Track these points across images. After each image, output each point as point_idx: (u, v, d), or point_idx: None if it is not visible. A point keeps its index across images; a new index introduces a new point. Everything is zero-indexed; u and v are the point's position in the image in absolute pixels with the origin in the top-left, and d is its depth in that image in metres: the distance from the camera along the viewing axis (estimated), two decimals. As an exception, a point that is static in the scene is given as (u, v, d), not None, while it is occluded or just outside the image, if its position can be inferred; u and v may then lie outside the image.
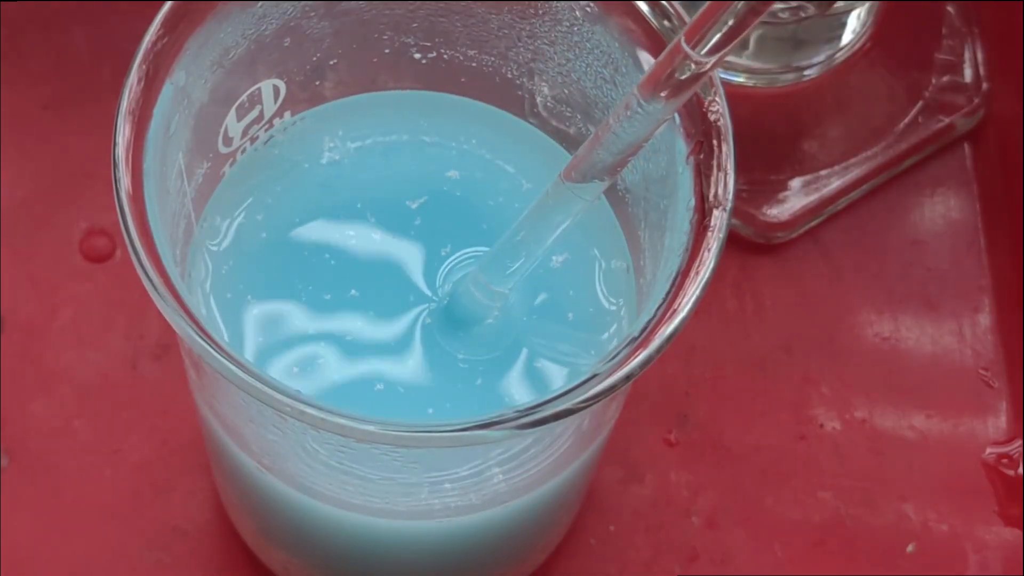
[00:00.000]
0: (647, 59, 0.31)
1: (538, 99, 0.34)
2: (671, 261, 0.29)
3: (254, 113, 0.33)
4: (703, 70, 0.27)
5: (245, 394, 0.27)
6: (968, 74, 0.47)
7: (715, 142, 0.30)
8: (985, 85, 0.47)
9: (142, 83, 0.29)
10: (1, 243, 0.44)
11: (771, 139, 0.46)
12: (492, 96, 0.35)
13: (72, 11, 0.47)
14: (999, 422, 0.44)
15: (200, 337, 0.28)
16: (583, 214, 0.30)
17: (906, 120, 0.46)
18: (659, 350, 0.28)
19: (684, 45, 0.27)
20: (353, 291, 0.33)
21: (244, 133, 0.33)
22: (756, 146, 0.46)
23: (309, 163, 0.34)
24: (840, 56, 0.47)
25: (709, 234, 0.29)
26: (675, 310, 0.28)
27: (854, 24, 0.47)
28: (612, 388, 0.28)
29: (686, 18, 0.30)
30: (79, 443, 0.42)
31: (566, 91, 0.33)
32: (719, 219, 0.29)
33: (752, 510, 0.42)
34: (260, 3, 0.31)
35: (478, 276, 0.31)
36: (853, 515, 0.42)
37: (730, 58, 0.46)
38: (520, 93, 0.34)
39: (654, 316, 0.28)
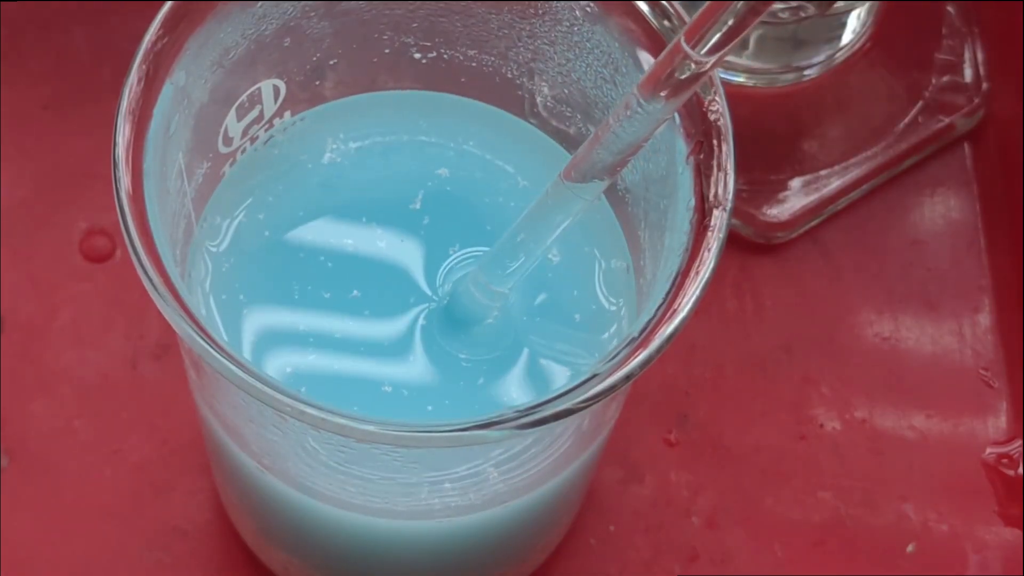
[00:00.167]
0: (647, 59, 0.31)
1: (538, 99, 0.34)
2: (671, 261, 0.29)
3: (254, 113, 0.33)
4: (703, 70, 0.27)
5: (245, 394, 0.27)
6: (968, 74, 0.47)
7: (715, 142, 0.30)
8: (985, 85, 0.47)
9: (142, 83, 0.29)
10: (1, 243, 0.44)
11: (771, 139, 0.46)
12: (492, 96, 0.35)
13: (72, 11, 0.47)
14: (999, 422, 0.44)
15: (200, 337, 0.28)
16: (583, 214, 0.30)
17: (906, 120, 0.46)
18: (659, 350, 0.28)
19: (684, 45, 0.27)
20: (353, 291, 0.33)
21: (244, 133, 0.33)
22: (756, 146, 0.46)
23: (309, 163, 0.34)
24: (840, 56, 0.47)
25: (709, 234, 0.29)
26: (675, 310, 0.28)
27: (854, 24, 0.47)
28: (612, 388, 0.28)
29: (686, 18, 0.30)
30: (79, 443, 0.42)
31: (566, 91, 0.33)
32: (719, 219, 0.29)
33: (752, 510, 0.42)
34: (260, 3, 0.31)
35: (478, 276, 0.31)
36: (853, 515, 0.42)
37: (730, 58, 0.46)
38: (520, 93, 0.34)
39: (654, 316, 0.28)
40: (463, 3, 0.33)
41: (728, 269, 0.45)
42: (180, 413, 0.42)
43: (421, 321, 0.32)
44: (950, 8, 0.48)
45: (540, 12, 0.32)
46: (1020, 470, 0.43)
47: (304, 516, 0.34)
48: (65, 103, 0.46)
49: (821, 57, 0.46)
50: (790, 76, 0.46)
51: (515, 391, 0.32)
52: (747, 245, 0.45)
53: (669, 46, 0.27)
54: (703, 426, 0.43)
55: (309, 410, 0.27)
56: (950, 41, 0.47)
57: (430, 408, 0.31)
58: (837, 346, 0.44)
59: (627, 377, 0.28)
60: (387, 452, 0.30)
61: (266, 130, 0.34)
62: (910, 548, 0.42)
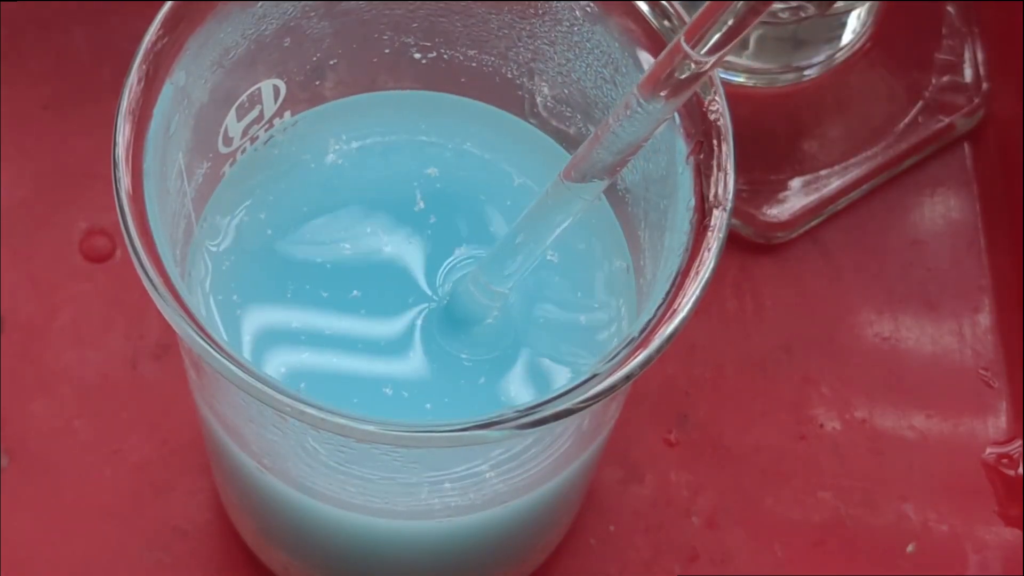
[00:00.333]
0: (647, 59, 0.31)
1: (538, 99, 0.34)
2: (671, 261, 0.29)
3: (254, 113, 0.33)
4: (703, 70, 0.27)
5: (245, 394, 0.27)
6: (968, 74, 0.47)
7: (715, 142, 0.30)
8: (985, 85, 0.47)
9: (142, 83, 0.29)
10: (1, 243, 0.44)
11: (771, 139, 0.46)
12: (492, 96, 0.35)
13: (72, 11, 0.47)
14: (999, 422, 0.44)
15: (200, 337, 0.28)
16: (583, 214, 0.30)
17: (906, 120, 0.46)
18: (659, 350, 0.28)
19: (684, 45, 0.27)
20: (352, 291, 0.33)
21: (244, 133, 0.33)
22: (756, 146, 0.46)
23: (309, 163, 0.34)
24: (840, 56, 0.47)
25: (709, 234, 0.29)
26: (675, 310, 0.28)
27: (854, 24, 0.47)
28: (612, 388, 0.28)
29: (686, 18, 0.30)
30: (79, 443, 0.42)
31: (566, 91, 0.33)
32: (719, 219, 0.29)
33: (752, 510, 0.42)
34: (260, 3, 0.31)
35: (478, 276, 0.31)
36: (853, 515, 0.42)
37: (730, 58, 0.46)
38: (520, 93, 0.34)
39: (654, 316, 0.28)
40: (463, 3, 0.33)
41: (728, 269, 0.45)
42: (180, 413, 0.42)
43: (421, 321, 0.32)
44: (950, 8, 0.48)
45: (540, 12, 0.32)
46: (1020, 470, 0.43)
47: (304, 516, 0.34)
48: (65, 103, 0.46)
49: (821, 57, 0.46)
50: (790, 76, 0.46)
51: (515, 391, 0.32)
52: (747, 245, 0.45)
53: (669, 46, 0.27)
54: (703, 426, 0.43)
55: (309, 410, 0.27)
56: (950, 41, 0.47)
57: (428, 406, 0.31)
58: (837, 346, 0.44)
59: (627, 377, 0.28)
60: (387, 452, 0.30)
61: (266, 130, 0.34)
62: (910, 548, 0.42)
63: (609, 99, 0.32)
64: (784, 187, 0.45)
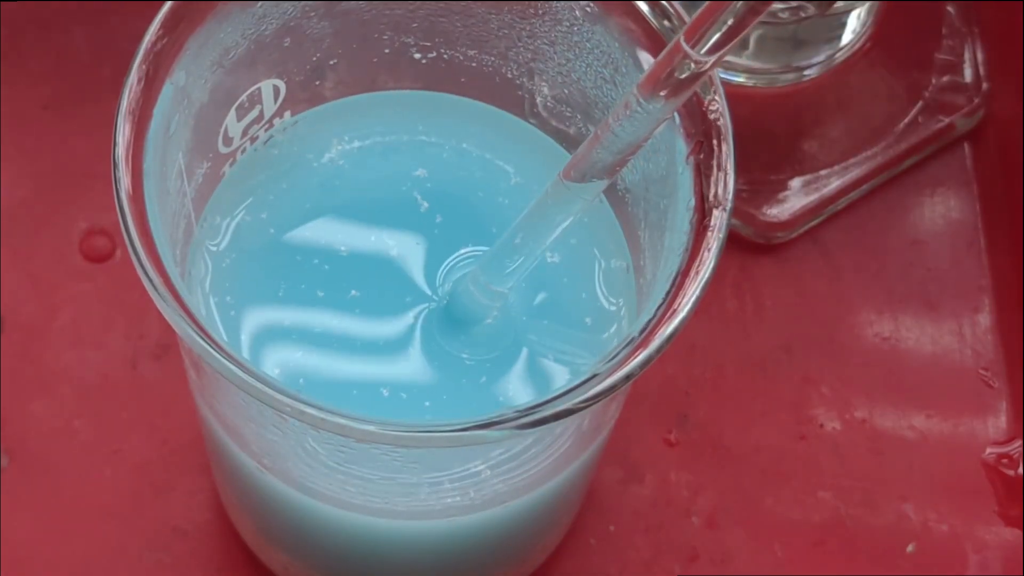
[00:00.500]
0: (647, 59, 0.31)
1: (538, 99, 0.34)
2: (671, 261, 0.29)
3: (254, 113, 0.33)
4: (703, 69, 0.27)
5: (245, 394, 0.27)
6: (968, 74, 0.47)
7: (715, 142, 0.30)
8: (985, 85, 0.47)
9: (142, 83, 0.29)
10: (1, 243, 0.44)
11: (771, 139, 0.46)
12: (492, 96, 0.35)
13: (72, 11, 0.47)
14: (999, 422, 0.44)
15: (200, 337, 0.28)
16: (583, 214, 0.30)
17: (906, 120, 0.46)
18: (659, 350, 0.28)
19: (684, 44, 0.27)
20: (352, 290, 0.33)
21: (244, 133, 0.33)
22: (756, 146, 0.46)
23: (309, 163, 0.34)
24: (840, 56, 0.47)
25: (709, 234, 0.29)
26: (675, 310, 0.28)
27: (854, 24, 0.47)
28: (612, 388, 0.28)
29: (686, 18, 0.30)
30: (79, 443, 0.42)
31: (566, 91, 0.33)
32: (719, 219, 0.29)
33: (752, 510, 0.42)
34: (260, 3, 0.31)
35: (478, 276, 0.31)
36: (853, 515, 0.42)
37: (730, 58, 0.46)
38: (520, 93, 0.34)
39: (654, 316, 0.28)
40: (463, 3, 0.33)
41: (728, 269, 0.45)
42: (180, 413, 0.42)
43: (421, 321, 0.32)
44: (950, 8, 0.48)
45: (540, 12, 0.32)
46: (1020, 470, 0.43)
47: (304, 516, 0.34)
48: (65, 103, 0.46)
49: (821, 57, 0.46)
50: (790, 76, 0.46)
51: (515, 391, 0.32)
52: (747, 245, 0.45)
53: (669, 46, 0.27)
54: (703, 426, 0.43)
55: (309, 410, 0.27)
56: (950, 41, 0.47)
57: (427, 404, 0.31)
58: (837, 346, 0.44)
59: (627, 377, 0.28)
60: (387, 452, 0.30)
61: (266, 130, 0.34)
62: (910, 548, 0.42)
63: (609, 99, 0.32)
64: (784, 187, 0.45)
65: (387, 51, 0.34)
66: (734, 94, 0.45)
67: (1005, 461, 0.43)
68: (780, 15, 0.45)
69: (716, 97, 0.30)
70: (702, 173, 0.29)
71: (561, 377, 0.32)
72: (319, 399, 0.27)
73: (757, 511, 0.42)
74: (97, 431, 0.42)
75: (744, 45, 0.46)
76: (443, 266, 0.33)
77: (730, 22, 0.26)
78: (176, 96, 0.30)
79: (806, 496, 0.42)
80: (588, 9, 0.32)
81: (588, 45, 0.32)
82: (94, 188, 0.44)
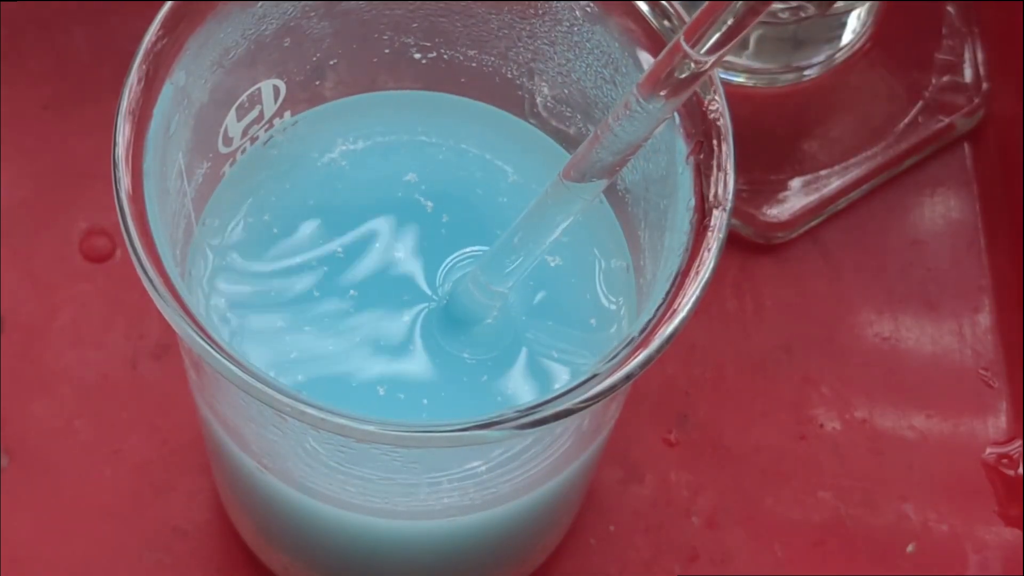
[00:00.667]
0: (647, 59, 0.31)
1: (538, 99, 0.34)
2: (671, 261, 0.29)
3: (254, 113, 0.33)
4: (702, 69, 0.27)
5: (245, 394, 0.27)
6: (968, 74, 0.47)
7: (715, 142, 0.30)
8: (985, 85, 0.47)
9: (142, 83, 0.29)
10: (1, 243, 0.44)
11: (771, 139, 0.46)
12: (492, 96, 0.35)
13: (72, 11, 0.47)
14: (999, 422, 0.44)
15: (200, 337, 0.28)
16: (583, 214, 0.30)
17: (906, 120, 0.46)
18: (659, 350, 0.28)
19: (683, 44, 0.27)
20: (352, 290, 0.33)
21: (244, 133, 0.33)
22: (756, 146, 0.46)
23: (309, 163, 0.34)
24: (840, 56, 0.47)
25: (709, 234, 0.29)
26: (675, 310, 0.28)
27: (854, 24, 0.47)
28: (612, 388, 0.28)
29: (686, 18, 0.30)
30: (79, 443, 0.42)
31: (566, 91, 0.33)
32: (719, 219, 0.29)
33: (752, 510, 0.42)
34: (260, 3, 0.31)
35: (477, 276, 0.31)
36: (853, 515, 0.42)
37: (730, 58, 0.46)
38: (520, 93, 0.34)
39: (654, 316, 0.28)
40: (463, 3, 0.33)
41: (728, 269, 0.45)
42: (180, 413, 0.42)
43: (421, 321, 0.32)
44: (950, 8, 0.48)
45: (540, 12, 0.32)
46: (1020, 470, 0.43)
47: (304, 516, 0.34)
48: (65, 103, 0.46)
49: (821, 57, 0.46)
50: (790, 76, 0.46)
51: (514, 391, 0.32)
52: (747, 245, 0.45)
53: (669, 46, 0.27)
54: (703, 426, 0.43)
55: (309, 410, 0.27)
56: (950, 41, 0.47)
57: (426, 403, 0.31)
58: (837, 346, 0.44)
59: (627, 377, 0.28)
60: (387, 452, 0.30)
61: (266, 130, 0.34)
62: (910, 548, 0.42)
63: (609, 99, 0.32)
64: (784, 187, 0.45)
65: (387, 51, 0.34)
66: (734, 94, 0.45)
67: (1005, 461, 0.43)
68: (780, 15, 0.45)
69: (716, 97, 0.30)
70: (702, 173, 0.29)
71: (561, 377, 0.32)
72: (319, 399, 0.27)
73: (757, 511, 0.42)
74: (97, 431, 0.42)
75: (744, 45, 0.46)
76: (443, 266, 0.33)
77: (730, 22, 0.26)
78: (176, 96, 0.30)
79: (806, 496, 0.42)
80: (588, 9, 0.32)
81: (588, 45, 0.32)
82: (94, 188, 0.44)
